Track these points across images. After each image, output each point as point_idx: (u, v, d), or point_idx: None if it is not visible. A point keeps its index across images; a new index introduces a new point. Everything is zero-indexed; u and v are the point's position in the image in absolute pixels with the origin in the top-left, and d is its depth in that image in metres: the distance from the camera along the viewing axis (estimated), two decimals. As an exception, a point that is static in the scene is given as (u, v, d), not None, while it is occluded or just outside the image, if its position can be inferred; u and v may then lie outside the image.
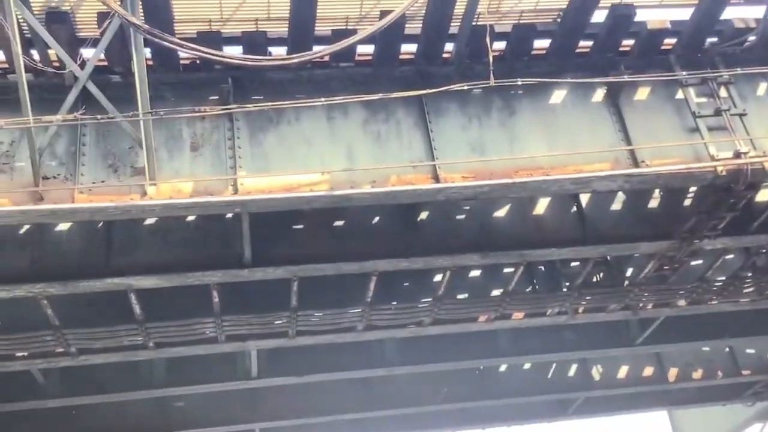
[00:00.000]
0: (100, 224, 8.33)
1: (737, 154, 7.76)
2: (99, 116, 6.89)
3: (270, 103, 7.12)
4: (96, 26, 7.06)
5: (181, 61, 7.91)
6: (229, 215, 8.55)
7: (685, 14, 8.26)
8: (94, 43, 7.04)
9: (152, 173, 7.02)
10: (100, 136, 7.46)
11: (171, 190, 7.25)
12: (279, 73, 7.98)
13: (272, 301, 9.56)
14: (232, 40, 7.75)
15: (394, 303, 10.00)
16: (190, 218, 8.52)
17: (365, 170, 7.49)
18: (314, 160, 7.61)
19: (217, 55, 6.29)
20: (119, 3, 6.38)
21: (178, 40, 6.36)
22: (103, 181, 7.24)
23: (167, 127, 7.52)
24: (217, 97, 7.69)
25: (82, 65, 7.05)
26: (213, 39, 7.52)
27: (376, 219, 9.03)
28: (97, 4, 6.86)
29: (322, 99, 7.12)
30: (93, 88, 7.01)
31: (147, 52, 7.14)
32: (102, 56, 7.37)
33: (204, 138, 7.60)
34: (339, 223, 8.91)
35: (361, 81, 8.12)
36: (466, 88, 7.54)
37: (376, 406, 13.58)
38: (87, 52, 7.26)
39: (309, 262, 8.58)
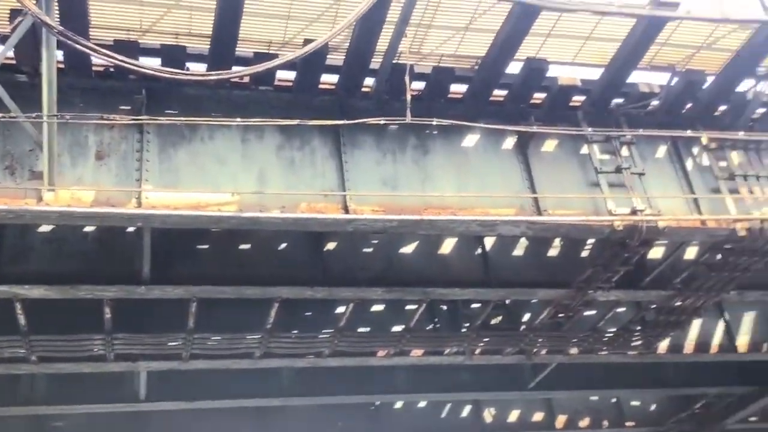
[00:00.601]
0: (-9, 228, 7.93)
1: (634, 211, 8.12)
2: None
3: (184, 118, 6.98)
4: (8, 22, 6.78)
5: (94, 68, 7.68)
6: (131, 229, 8.30)
7: (595, 74, 8.69)
8: (3, 39, 6.75)
9: (51, 179, 6.74)
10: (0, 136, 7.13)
11: (70, 198, 6.98)
12: (196, 89, 7.88)
13: (168, 322, 9.29)
14: (149, 52, 7.60)
15: (295, 332, 9.89)
16: (89, 229, 8.23)
17: (276, 195, 7.43)
18: (225, 181, 7.51)
19: (132, 64, 6.12)
20: (34, 2, 6.17)
21: (93, 45, 6.17)
22: (-3, 183, 6.91)
23: (73, 133, 7.27)
24: (128, 107, 7.51)
25: (-12, 61, 6.73)
26: (130, 48, 7.34)
27: (283, 245, 8.96)
28: (10, 0, 6.62)
29: (238, 119, 7.05)
30: (-4, 85, 6.71)
31: (59, 54, 6.91)
32: (11, 54, 7.07)
33: (111, 148, 7.37)
34: (245, 246, 8.79)
35: (279, 106, 8.11)
36: (383, 122, 7.62)
37: (269, 436, 13.30)
38: (-6, 49, 6.96)
39: (210, 284, 8.41)
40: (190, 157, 7.57)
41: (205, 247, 8.69)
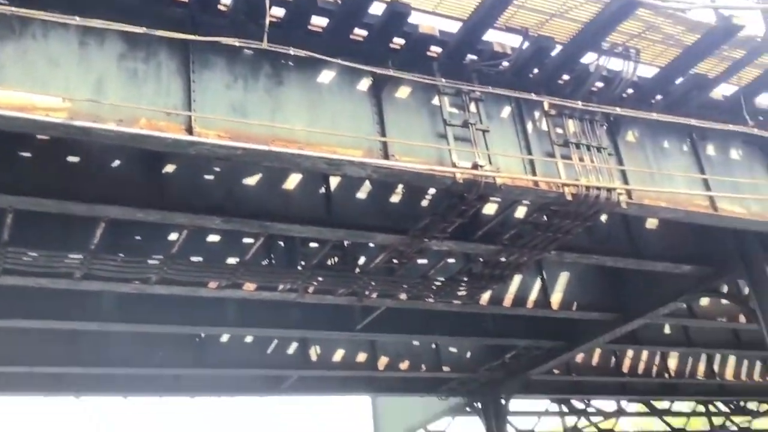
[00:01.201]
0: None
1: (475, 166, 8.37)
2: None
3: (14, 8, 6.28)
4: None
5: None
6: (-58, 126, 7.45)
7: (454, 27, 8.78)
8: None
9: None
10: None
11: None
12: (31, -21, 7.11)
13: (-22, 232, 8.51)
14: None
15: (121, 255, 9.41)
16: None
17: (114, 106, 6.91)
18: (57, 84, 6.86)
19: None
20: None
21: None
22: None
23: None
24: (-52, -12, 6.64)
25: None
26: None
27: (117, 162, 8.43)
28: None
29: (77, 18, 6.43)
30: None
31: None
32: None
33: (-75, 31, 6.51)
34: (74, 159, 8.18)
35: (125, 12, 7.44)
36: (237, 44, 7.31)
37: (83, 362, 12.75)
38: None
39: (31, 195, 7.76)
40: (18, 54, 6.82)
41: (28, 154, 7.99)
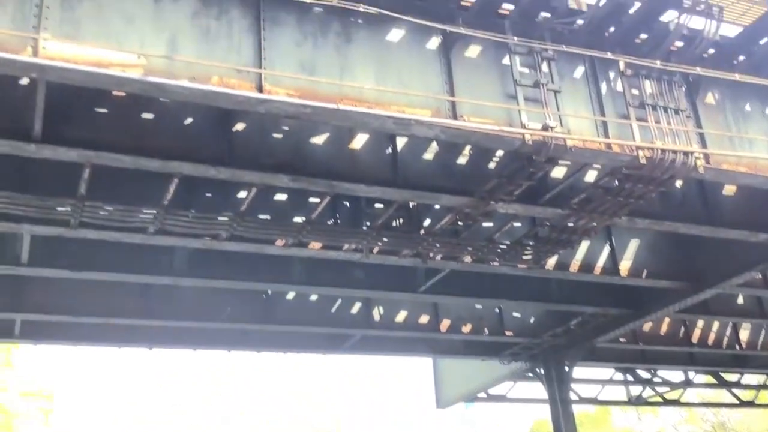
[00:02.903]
0: None
1: (545, 127, 8.20)
2: None
3: (92, -36, 6.39)
4: None
5: None
6: (24, 81, 7.70)
7: (528, -17, 8.54)
8: None
9: (-64, 11, 6.09)
10: None
11: (-43, 37, 6.34)
12: (109, -64, 7.22)
13: (58, 186, 8.79)
14: None
15: (193, 211, 9.62)
16: (-25, 76, 7.55)
17: (187, 63, 7.01)
18: (132, 41, 7.00)
19: None
20: None
21: None
22: None
23: (-36, -36, 6.54)
24: (31, -55, 6.79)
25: None
26: None
27: (189, 120, 8.57)
28: None
29: (153, -26, 6.52)
30: None
31: None
32: None
33: (8, -12, 6.69)
34: (148, 115, 8.35)
35: (198, -31, 7.55)
36: (308, 1, 7.29)
37: (154, 315, 13.17)
38: None
39: (107, 150, 7.97)
40: (95, 10, 6.97)
41: (104, 111, 8.19)
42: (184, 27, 7.27)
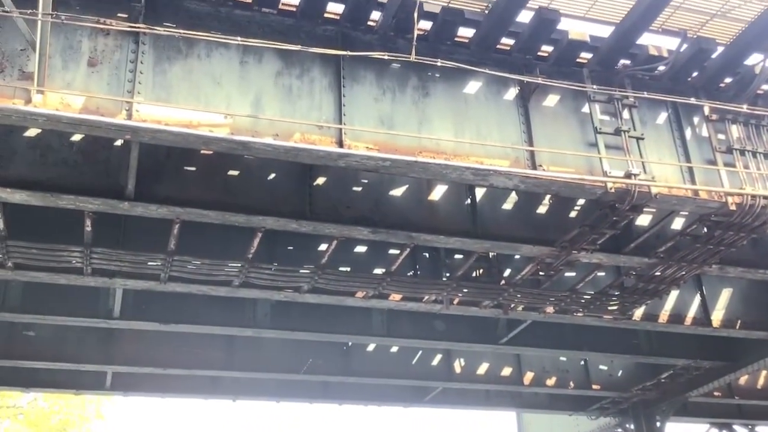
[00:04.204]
0: (-26, 127, 7.70)
1: (628, 175, 8.06)
2: (-8, 8, 6.33)
3: (182, 30, 6.75)
4: None
5: (94, -30, 7.40)
6: (118, 143, 8.12)
7: (605, 31, 8.51)
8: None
9: (41, 80, 6.53)
10: (-10, 32, 6.87)
11: (59, 103, 6.77)
12: (197, 3, 7.63)
13: (149, 241, 9.17)
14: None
15: (275, 264, 9.82)
16: (75, 138, 8.02)
17: (270, 121, 7.27)
18: (219, 101, 7.32)
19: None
20: None
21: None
22: (-15, 80, 6.68)
23: (66, 35, 7.02)
24: (126, 15, 7.25)
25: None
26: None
27: (272, 175, 8.82)
28: None
29: (239, 38, 6.82)
30: (-10, -23, 6.43)
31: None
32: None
33: (104, 55, 7.14)
34: (233, 172, 8.64)
35: (280, 30, 7.87)
36: (387, 58, 7.47)
37: (238, 366, 13.38)
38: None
39: (195, 207, 8.26)
40: (184, 73, 7.35)
41: (193, 169, 8.53)
42: (268, 87, 7.55)
